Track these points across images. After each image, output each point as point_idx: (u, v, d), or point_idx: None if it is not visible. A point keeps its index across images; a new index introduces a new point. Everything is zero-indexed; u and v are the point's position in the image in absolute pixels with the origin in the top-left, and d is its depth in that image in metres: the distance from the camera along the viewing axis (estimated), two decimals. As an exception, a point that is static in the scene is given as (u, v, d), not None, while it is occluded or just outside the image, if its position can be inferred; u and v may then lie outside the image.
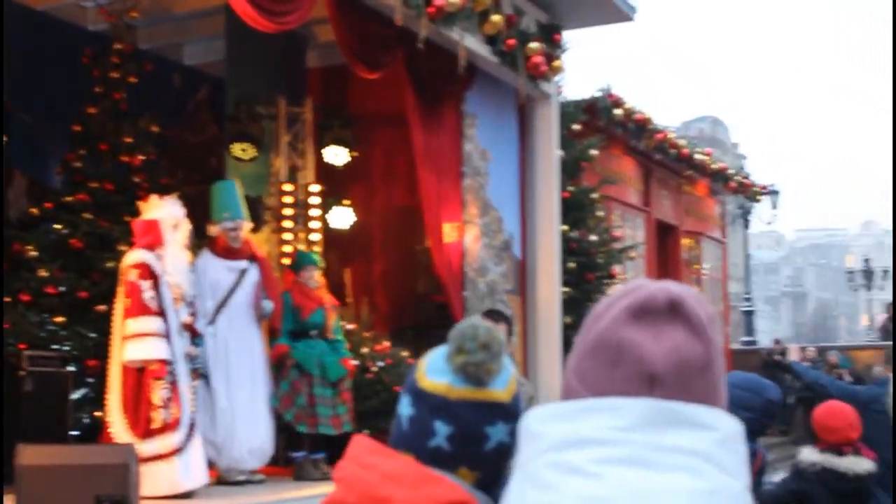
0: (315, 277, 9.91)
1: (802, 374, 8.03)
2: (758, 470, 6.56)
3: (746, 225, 26.59)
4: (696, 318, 1.58)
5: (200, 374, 8.68)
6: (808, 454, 6.38)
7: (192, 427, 8.04)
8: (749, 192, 23.26)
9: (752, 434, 7.15)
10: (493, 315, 7.59)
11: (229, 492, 8.58)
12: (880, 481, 6.58)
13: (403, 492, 1.75)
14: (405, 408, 1.93)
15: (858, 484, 6.28)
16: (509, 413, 1.89)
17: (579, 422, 1.54)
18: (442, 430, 1.87)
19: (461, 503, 1.77)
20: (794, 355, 8.69)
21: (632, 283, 1.68)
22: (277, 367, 9.35)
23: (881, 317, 28.16)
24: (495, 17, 11.09)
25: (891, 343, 19.42)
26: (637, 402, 1.52)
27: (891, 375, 7.82)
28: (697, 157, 19.64)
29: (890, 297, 35.84)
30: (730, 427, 1.56)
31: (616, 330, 1.59)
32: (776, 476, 7.61)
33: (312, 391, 9.30)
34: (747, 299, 26.96)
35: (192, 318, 8.46)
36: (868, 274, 53.38)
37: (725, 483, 1.50)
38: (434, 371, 1.91)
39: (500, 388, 1.89)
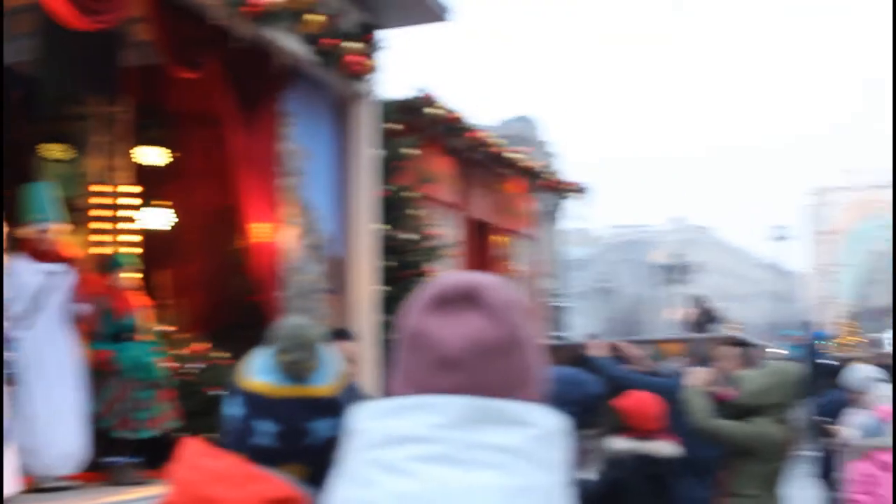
0: (129, 279, 9.81)
1: (605, 367, 8.26)
2: (577, 463, 6.74)
3: (559, 222, 27.01)
4: (493, 304, 1.66)
5: (12, 379, 8.49)
6: (620, 443, 6.61)
7: (2, 433, 7.89)
8: (561, 190, 23.68)
9: (573, 427, 7.34)
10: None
11: (43, 498, 8.44)
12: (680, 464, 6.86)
13: (230, 491, 1.81)
14: (231, 408, 1.99)
15: (669, 467, 6.56)
16: (334, 408, 1.96)
17: (399, 419, 1.61)
18: (267, 427, 1.93)
19: (288, 500, 1.83)
20: (598, 350, 8.91)
21: (437, 276, 1.77)
22: (98, 372, 9.22)
23: (687, 310, 28.96)
24: (313, 17, 11.10)
25: (696, 336, 19.98)
26: (456, 400, 1.60)
27: (690, 368, 8.15)
28: (512, 155, 19.93)
29: (695, 291, 36.89)
30: (549, 423, 1.64)
31: (418, 320, 1.69)
32: (590, 468, 7.83)
33: (130, 395, 9.21)
34: (559, 295, 27.40)
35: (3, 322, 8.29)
36: (675, 269, 54.90)
37: (540, 479, 1.57)
38: (256, 371, 1.97)
39: (322, 384, 1.96)
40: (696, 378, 7.50)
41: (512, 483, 1.55)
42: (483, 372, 1.62)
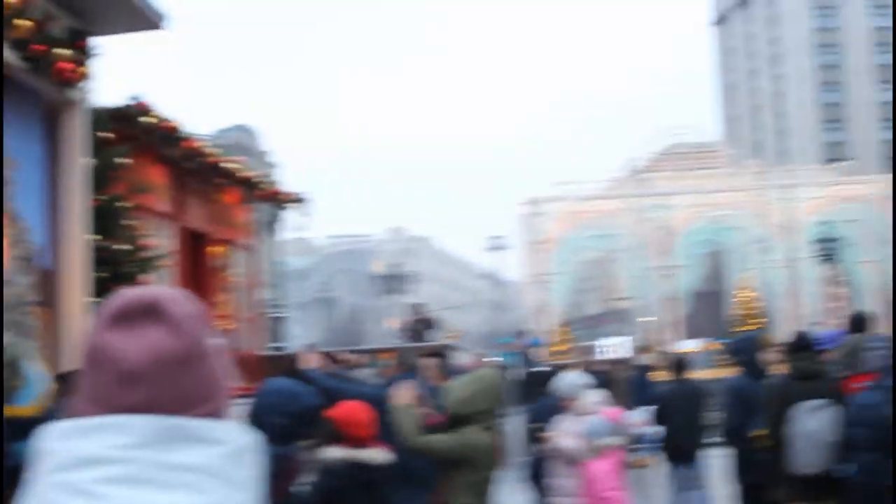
0: None
1: (317, 380, 8.32)
2: (292, 474, 6.79)
3: (277, 232, 26.97)
4: (173, 317, 1.66)
5: None
6: (333, 451, 6.68)
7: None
8: (279, 200, 23.64)
9: (289, 438, 7.36)
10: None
11: None
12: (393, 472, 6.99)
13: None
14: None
15: (382, 473, 6.67)
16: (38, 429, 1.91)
17: (86, 440, 1.57)
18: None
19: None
20: (312, 361, 8.96)
21: (118, 292, 1.78)
22: None
23: (404, 319, 29.38)
24: (22, 22, 10.78)
25: (406, 345, 20.35)
26: (143, 420, 1.57)
27: (398, 377, 8.32)
28: (228, 165, 19.77)
29: (413, 300, 37.45)
30: (240, 440, 1.63)
31: (96, 336, 1.66)
32: (307, 478, 7.89)
33: None
34: (279, 306, 27.35)
35: None
36: (394, 279, 55.57)
37: (231, 498, 1.57)
38: (-44, 390, 1.94)
39: (25, 404, 1.95)
40: (402, 395, 7.55)
41: (203, 502, 1.55)
42: (166, 386, 1.62)
